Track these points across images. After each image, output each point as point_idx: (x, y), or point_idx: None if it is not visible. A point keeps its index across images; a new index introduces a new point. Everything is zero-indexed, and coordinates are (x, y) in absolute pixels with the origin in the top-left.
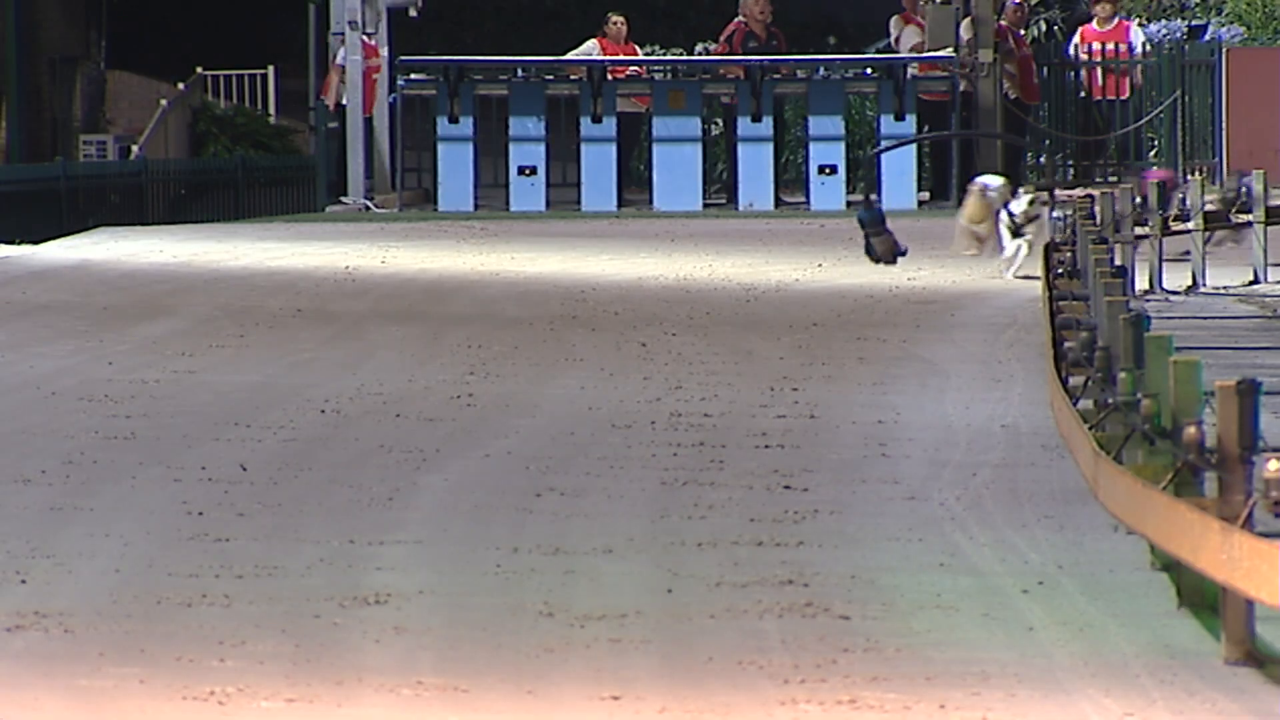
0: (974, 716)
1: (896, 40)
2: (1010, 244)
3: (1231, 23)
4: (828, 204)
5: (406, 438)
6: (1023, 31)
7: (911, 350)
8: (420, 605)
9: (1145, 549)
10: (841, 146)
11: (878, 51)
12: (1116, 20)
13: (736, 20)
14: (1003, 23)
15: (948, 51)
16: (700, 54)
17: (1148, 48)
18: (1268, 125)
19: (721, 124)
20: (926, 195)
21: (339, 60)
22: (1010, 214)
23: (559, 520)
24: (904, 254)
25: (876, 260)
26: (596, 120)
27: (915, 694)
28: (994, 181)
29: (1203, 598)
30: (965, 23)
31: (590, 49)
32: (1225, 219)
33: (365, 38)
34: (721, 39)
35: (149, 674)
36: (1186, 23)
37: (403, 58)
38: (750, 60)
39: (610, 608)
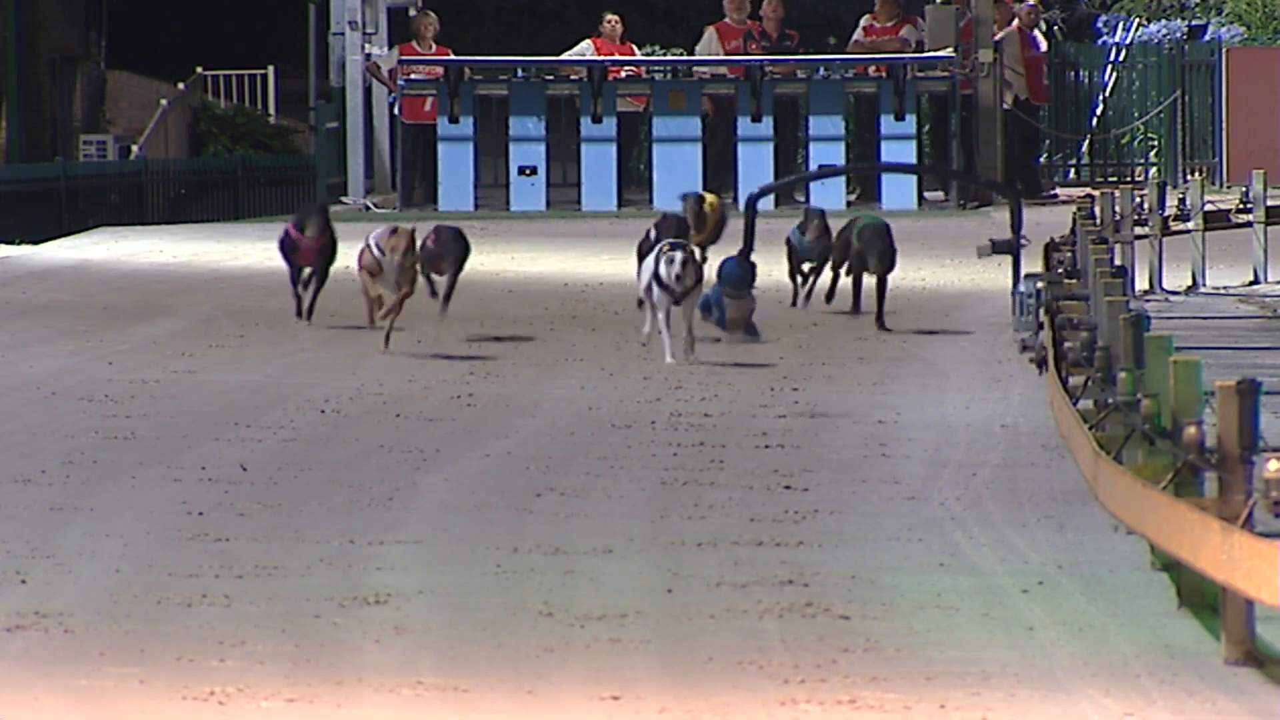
0: (974, 716)
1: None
2: (658, 318)
3: (1231, 23)
4: (828, 204)
5: (406, 438)
6: (1037, 33)
7: (911, 350)
8: (420, 605)
9: (1145, 549)
10: (841, 146)
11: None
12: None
13: (721, 23)
14: (1017, 24)
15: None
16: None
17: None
18: (1268, 125)
19: (703, 127)
20: (941, 194)
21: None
22: (659, 279)
23: (559, 520)
24: (756, 336)
25: (721, 326)
26: (596, 120)
27: (915, 694)
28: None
29: (1203, 598)
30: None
31: (585, 49)
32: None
33: (421, 45)
34: (704, 48)
35: (149, 674)
36: (1186, 23)
37: (402, 58)
38: (750, 60)
39: (610, 608)
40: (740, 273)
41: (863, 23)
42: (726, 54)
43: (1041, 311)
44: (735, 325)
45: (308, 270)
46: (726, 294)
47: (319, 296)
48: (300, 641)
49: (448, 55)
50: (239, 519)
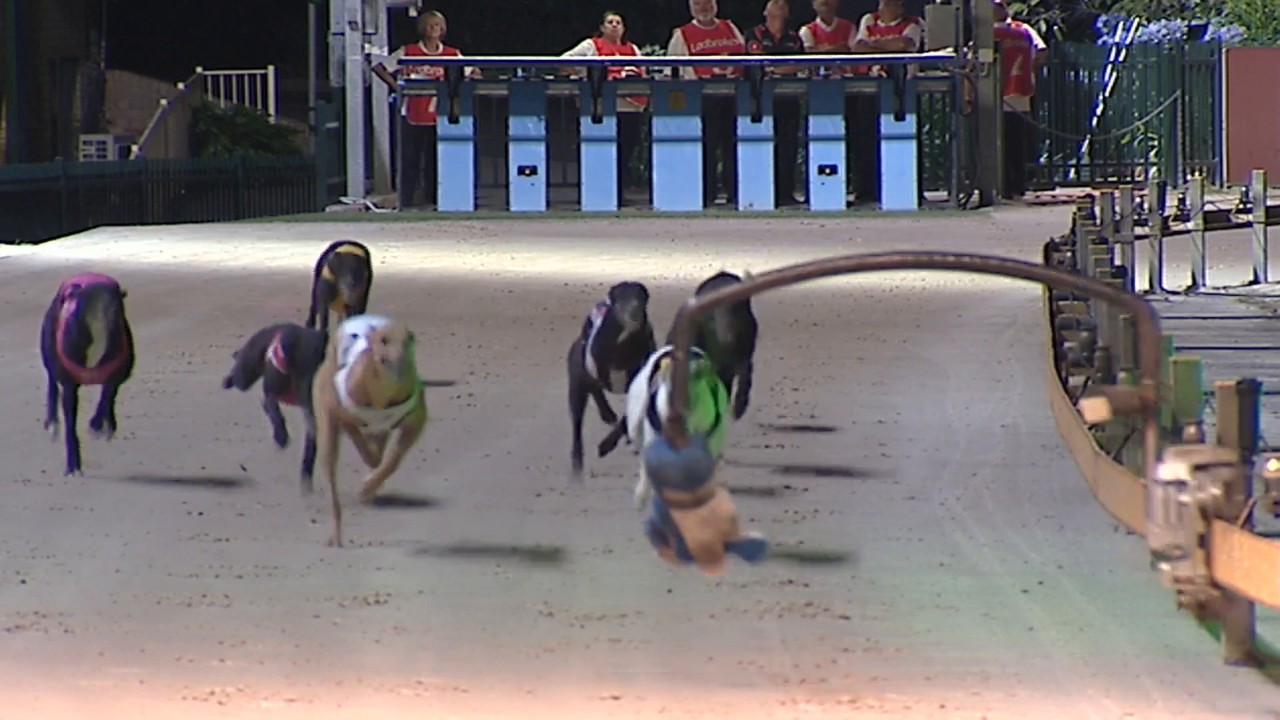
0: (974, 716)
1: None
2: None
3: (1231, 23)
4: (828, 204)
5: None
6: (1032, 31)
7: (911, 350)
8: (420, 605)
9: (1145, 549)
10: (841, 146)
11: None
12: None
13: (687, 25)
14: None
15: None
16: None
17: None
18: (1268, 125)
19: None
20: (943, 194)
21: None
22: (654, 414)
23: (559, 520)
24: (760, 548)
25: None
26: (596, 120)
27: (915, 694)
28: (378, 323)
29: None
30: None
31: (585, 49)
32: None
33: (428, 45)
34: (672, 50)
35: (149, 674)
36: (1186, 23)
37: (402, 58)
38: (750, 60)
39: (610, 608)
40: (683, 458)
41: (865, 22)
42: (694, 55)
43: None
44: (709, 553)
45: None
46: (670, 501)
47: None
48: (300, 641)
49: (455, 55)
50: (239, 519)
